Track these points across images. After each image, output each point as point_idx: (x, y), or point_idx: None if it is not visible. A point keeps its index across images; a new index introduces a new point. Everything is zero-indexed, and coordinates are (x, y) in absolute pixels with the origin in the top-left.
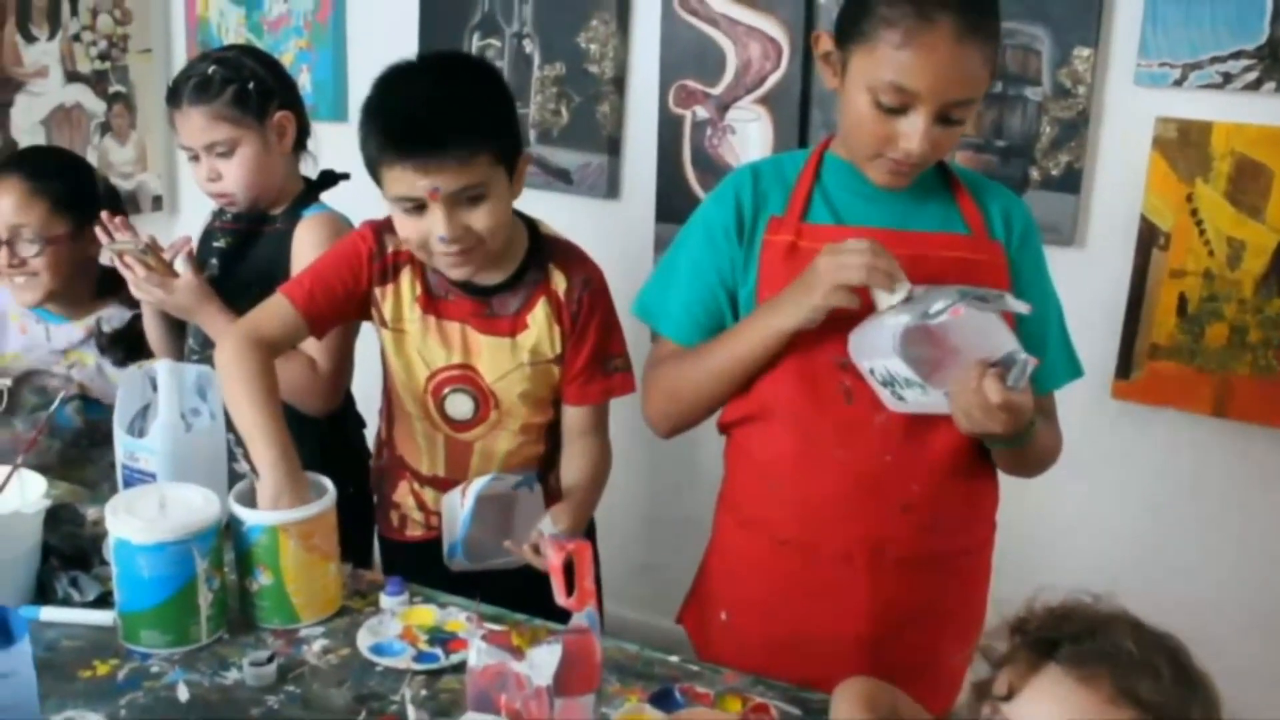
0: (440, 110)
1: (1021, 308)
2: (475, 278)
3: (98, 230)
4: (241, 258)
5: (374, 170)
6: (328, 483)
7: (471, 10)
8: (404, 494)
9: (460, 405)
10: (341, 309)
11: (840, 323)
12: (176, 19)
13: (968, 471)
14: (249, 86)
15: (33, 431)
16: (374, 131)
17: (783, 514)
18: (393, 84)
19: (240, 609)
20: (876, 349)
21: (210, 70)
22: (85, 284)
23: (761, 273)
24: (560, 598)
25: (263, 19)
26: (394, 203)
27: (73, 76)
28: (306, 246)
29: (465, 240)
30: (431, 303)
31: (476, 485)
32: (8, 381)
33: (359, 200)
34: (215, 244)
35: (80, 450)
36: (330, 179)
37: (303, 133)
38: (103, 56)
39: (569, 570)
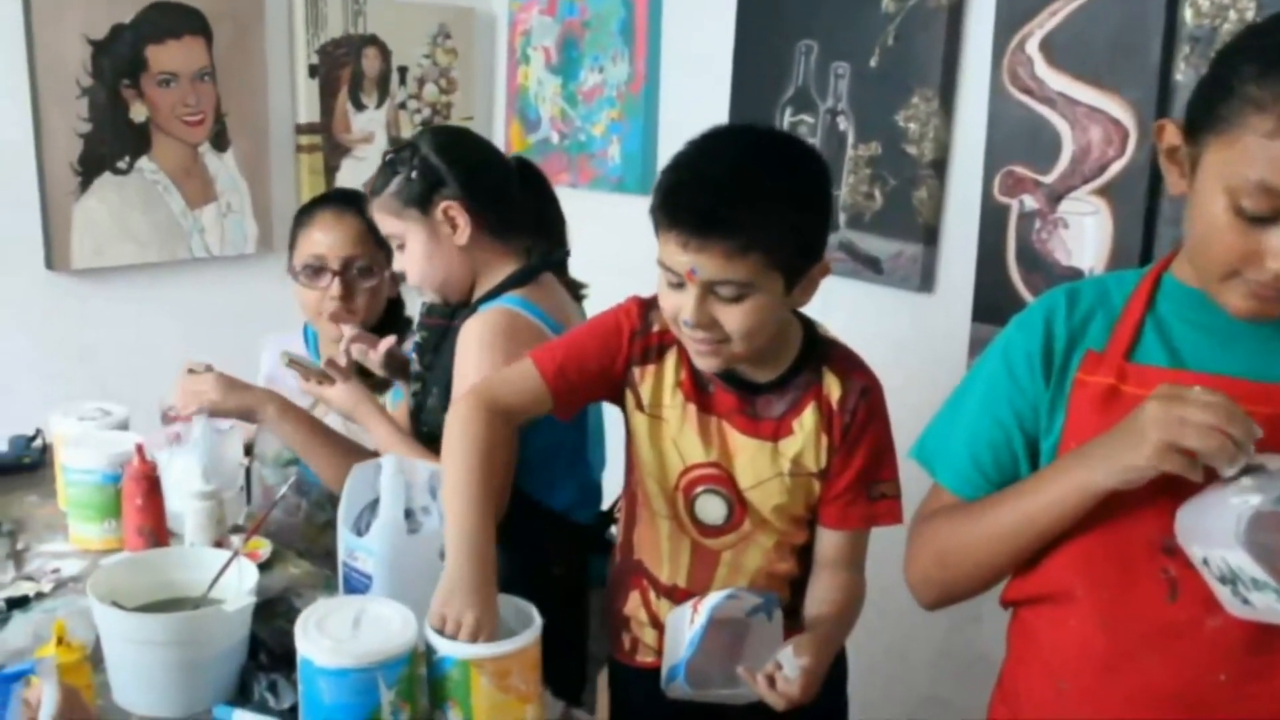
0: (725, 192)
1: None
2: (742, 372)
3: None
4: (435, 353)
5: (655, 228)
6: (534, 612)
7: (785, 85)
8: (635, 605)
9: (712, 508)
10: (592, 387)
11: (1170, 490)
12: (498, 88)
13: None
14: (411, 175)
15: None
16: (658, 188)
17: None
18: (701, 146)
19: None
20: (1213, 534)
21: (386, 159)
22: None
23: (1069, 420)
24: None
25: (578, 89)
26: (659, 266)
27: (396, 143)
28: (466, 344)
29: (711, 332)
30: (695, 391)
31: (711, 601)
32: (246, 461)
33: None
34: (415, 338)
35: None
36: (528, 273)
37: (497, 223)
38: (425, 124)
39: None
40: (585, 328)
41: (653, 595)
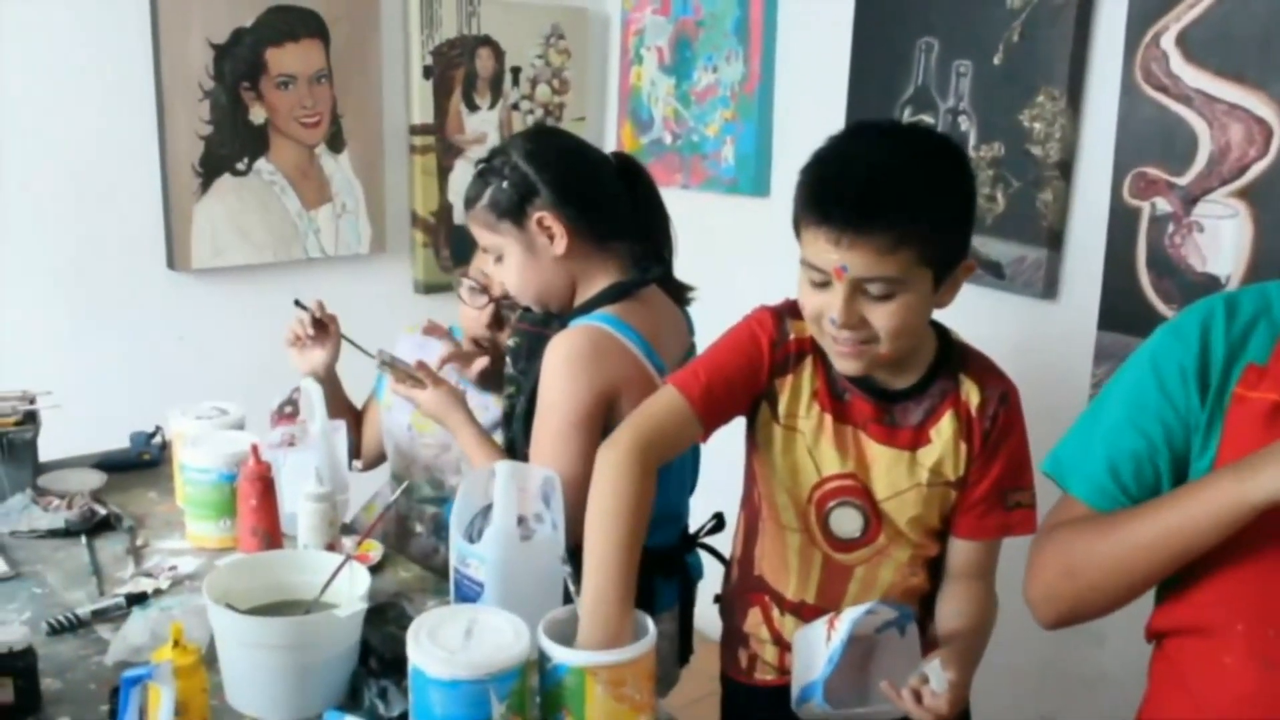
0: (879, 186)
1: None
2: (879, 379)
3: None
4: (528, 359)
5: (796, 225)
6: (649, 622)
7: (904, 83)
8: (755, 622)
9: (847, 521)
10: (737, 406)
11: None
12: (611, 88)
13: None
14: (503, 186)
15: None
16: (805, 183)
17: None
18: (846, 142)
19: None
20: None
21: (479, 170)
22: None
23: (1227, 439)
24: None
25: (691, 89)
26: (802, 266)
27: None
28: (550, 361)
29: (858, 332)
30: (830, 400)
31: (851, 615)
32: (359, 466)
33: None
34: (508, 343)
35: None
36: (626, 288)
37: (595, 229)
38: (538, 124)
39: None
40: (720, 345)
41: (776, 612)
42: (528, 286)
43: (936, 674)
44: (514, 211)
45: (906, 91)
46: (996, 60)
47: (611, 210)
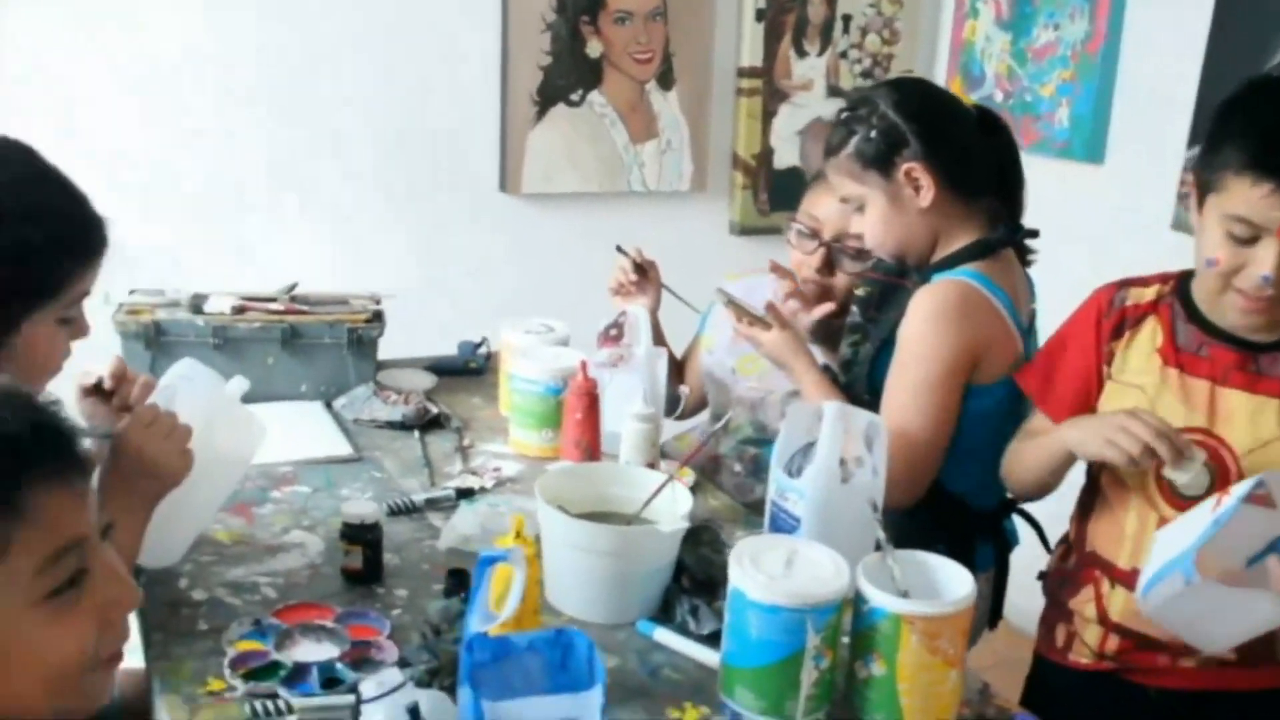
0: None
1: None
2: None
3: None
4: (879, 308)
5: (1210, 176)
6: (970, 578)
7: (1272, 48)
8: (1084, 600)
9: (1194, 479)
10: (1078, 386)
11: None
12: (942, 41)
13: None
14: (870, 135)
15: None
16: (1244, 135)
17: None
18: None
19: (845, 693)
20: None
21: (841, 117)
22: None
23: None
24: None
25: (1028, 46)
26: (1223, 220)
27: (833, 91)
28: (915, 314)
29: None
30: (1176, 355)
31: (1247, 482)
32: (685, 390)
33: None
34: (857, 292)
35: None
36: (989, 246)
37: (961, 183)
38: (865, 74)
39: None
40: (1061, 333)
41: (1106, 586)
42: (889, 238)
43: None
44: (881, 161)
45: (1275, 57)
46: None
47: (976, 165)
